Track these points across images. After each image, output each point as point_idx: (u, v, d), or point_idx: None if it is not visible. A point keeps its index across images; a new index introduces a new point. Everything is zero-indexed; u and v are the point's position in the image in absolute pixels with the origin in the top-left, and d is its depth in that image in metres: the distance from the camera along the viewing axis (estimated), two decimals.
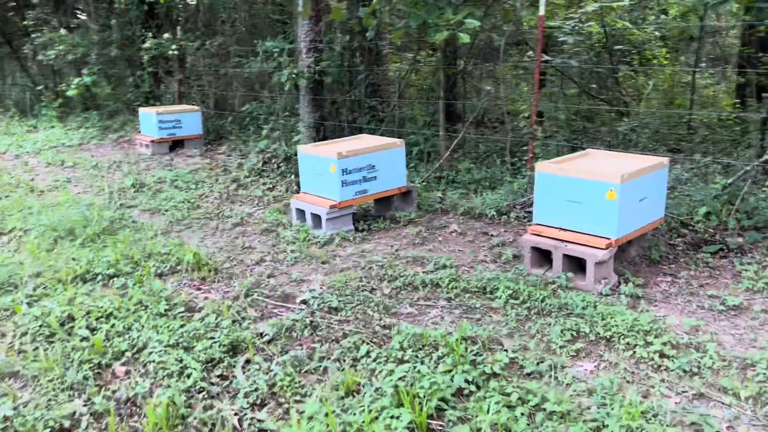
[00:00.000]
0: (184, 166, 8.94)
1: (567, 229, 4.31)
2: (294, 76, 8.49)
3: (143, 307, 3.98)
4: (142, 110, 10.23)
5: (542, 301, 3.91)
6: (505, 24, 7.51)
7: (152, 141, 9.83)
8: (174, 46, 10.77)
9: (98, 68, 12.41)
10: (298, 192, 7.24)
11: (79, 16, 14.46)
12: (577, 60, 7.60)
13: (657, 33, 10.42)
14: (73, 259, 4.87)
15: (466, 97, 10.56)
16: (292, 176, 7.58)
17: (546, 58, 8.67)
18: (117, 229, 5.90)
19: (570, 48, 7.84)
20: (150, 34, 11.52)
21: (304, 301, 4.10)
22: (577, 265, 4.32)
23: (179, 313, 3.91)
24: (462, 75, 8.84)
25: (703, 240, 4.91)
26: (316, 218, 5.61)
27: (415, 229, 5.55)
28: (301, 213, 5.81)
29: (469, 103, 9.52)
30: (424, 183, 7.05)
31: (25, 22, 13.96)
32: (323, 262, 4.91)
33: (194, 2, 12.19)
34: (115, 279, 4.55)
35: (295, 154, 8.30)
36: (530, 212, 5.69)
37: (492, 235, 5.37)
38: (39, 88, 13.99)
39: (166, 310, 3.92)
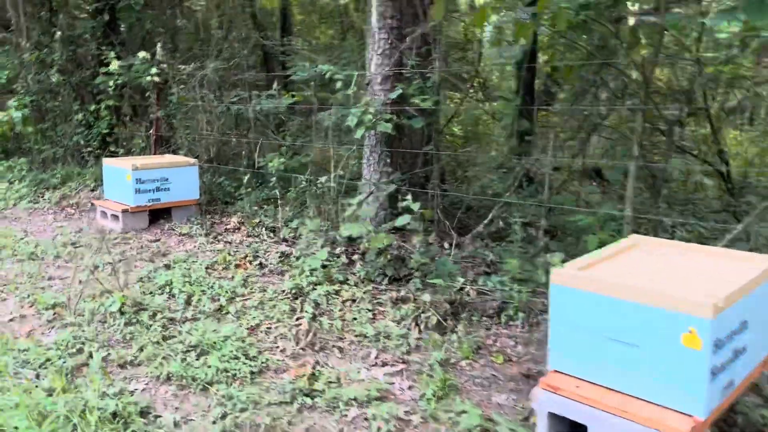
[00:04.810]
0: (182, 253, 5.49)
1: None
2: (371, 119, 5.35)
3: None
4: (107, 162, 6.69)
5: None
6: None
7: (125, 210, 6.30)
8: (155, 70, 7.35)
9: (31, 99, 8.78)
10: (442, 333, 3.93)
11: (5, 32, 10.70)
12: None
13: None
14: None
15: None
16: (405, 292, 4.29)
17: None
18: None
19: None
20: (113, 54, 8.06)
21: None
22: None
23: None
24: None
25: None
26: None
27: None
28: (563, 424, 2.56)
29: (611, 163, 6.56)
30: None
31: None
32: None
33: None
34: None
35: (390, 246, 5.04)
36: None
37: None
38: None
39: None
